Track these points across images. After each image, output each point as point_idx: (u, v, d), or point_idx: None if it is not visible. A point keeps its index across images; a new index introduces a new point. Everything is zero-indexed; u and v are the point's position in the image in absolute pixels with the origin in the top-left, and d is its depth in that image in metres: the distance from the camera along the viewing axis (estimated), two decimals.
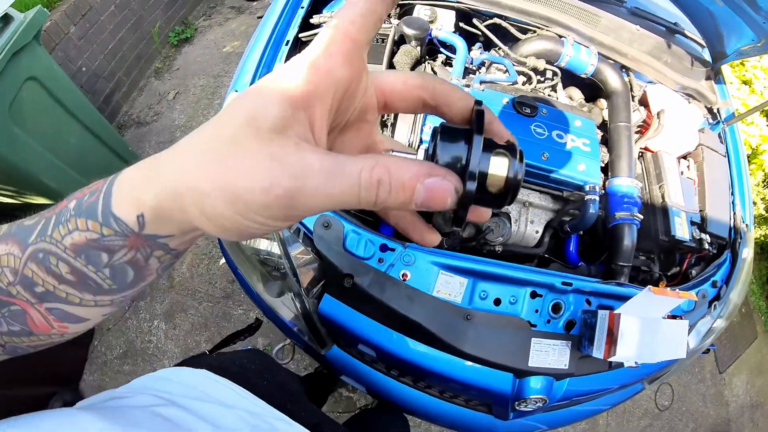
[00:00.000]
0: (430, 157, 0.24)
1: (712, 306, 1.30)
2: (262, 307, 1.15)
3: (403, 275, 0.95)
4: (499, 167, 0.23)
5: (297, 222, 0.22)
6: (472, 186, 0.22)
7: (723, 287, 1.33)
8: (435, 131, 0.24)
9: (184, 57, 2.45)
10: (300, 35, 1.31)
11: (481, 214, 0.29)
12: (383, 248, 0.96)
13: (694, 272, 1.37)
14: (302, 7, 1.36)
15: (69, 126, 1.62)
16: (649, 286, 0.86)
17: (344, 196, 0.20)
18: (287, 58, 1.26)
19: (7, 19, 1.35)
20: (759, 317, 2.57)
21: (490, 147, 0.23)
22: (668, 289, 0.92)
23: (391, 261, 0.95)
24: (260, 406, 0.53)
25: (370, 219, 1.20)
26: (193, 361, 0.60)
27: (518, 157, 0.23)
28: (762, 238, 2.64)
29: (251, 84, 1.20)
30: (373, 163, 0.21)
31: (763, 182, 2.65)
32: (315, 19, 1.35)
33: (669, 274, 1.41)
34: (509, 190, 0.23)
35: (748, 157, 2.49)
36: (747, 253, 1.41)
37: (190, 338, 1.75)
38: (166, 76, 2.35)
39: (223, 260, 1.27)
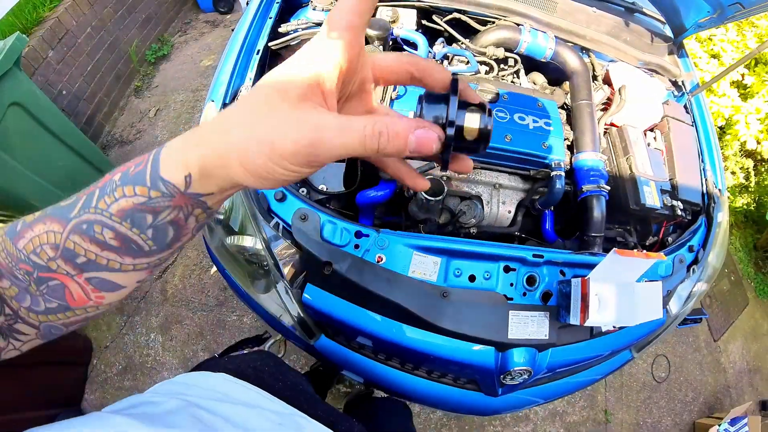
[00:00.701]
0: (418, 116, 0.29)
1: (691, 270, 1.31)
2: (252, 305, 1.17)
3: (378, 258, 0.97)
4: (472, 120, 0.29)
5: (319, 168, 0.30)
6: (451, 132, 0.28)
7: (700, 251, 1.35)
8: (420, 98, 0.30)
9: (163, 74, 2.48)
10: (270, 44, 1.35)
11: (464, 165, 0.34)
12: (358, 235, 0.99)
13: (670, 240, 1.39)
14: (270, 18, 1.41)
15: (55, 149, 1.65)
16: (614, 249, 0.88)
17: (354, 144, 0.26)
18: (258, 67, 1.30)
19: None
20: (749, 284, 2.58)
21: (464, 105, 0.29)
22: (635, 251, 0.93)
23: (366, 246, 0.98)
24: (283, 407, 0.53)
25: (348, 213, 1.23)
26: (209, 365, 0.60)
27: (487, 112, 0.29)
28: (744, 207, 2.65)
29: (226, 92, 1.26)
30: (374, 120, 0.26)
31: (740, 152, 2.67)
32: (283, 28, 1.39)
33: (647, 243, 1.43)
34: (482, 138, 0.29)
35: (722, 128, 2.52)
36: (722, 216, 1.43)
37: (187, 348, 1.76)
38: (146, 93, 2.38)
39: (214, 269, 1.30)
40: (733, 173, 2.68)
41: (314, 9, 1.43)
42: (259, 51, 1.32)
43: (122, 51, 2.30)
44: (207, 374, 0.55)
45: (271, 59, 1.38)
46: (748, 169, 2.69)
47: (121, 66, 2.29)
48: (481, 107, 0.29)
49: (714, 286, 2.50)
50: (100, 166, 1.86)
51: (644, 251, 0.96)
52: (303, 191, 1.09)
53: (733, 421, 1.95)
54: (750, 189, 2.64)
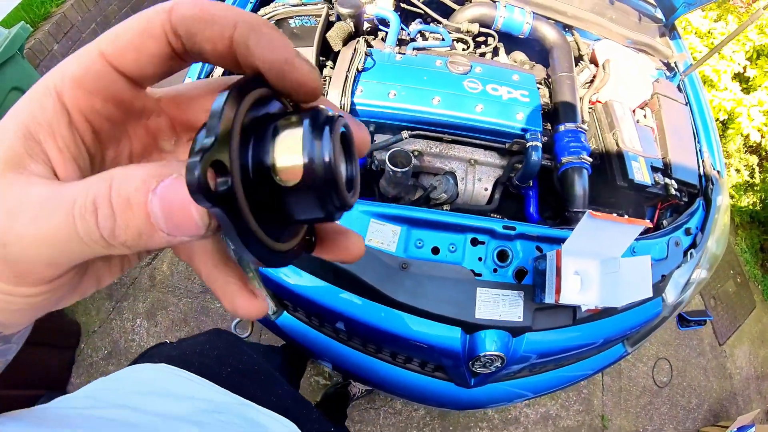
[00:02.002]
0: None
1: (688, 254, 1.13)
2: None
3: None
4: (287, 144, 0.12)
5: (59, 284, 0.14)
6: (226, 179, 0.11)
7: (698, 235, 1.16)
8: None
9: None
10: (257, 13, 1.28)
11: (346, 250, 0.18)
12: None
13: (665, 223, 1.21)
14: (251, 2, 1.34)
15: None
16: (588, 210, 0.72)
17: (59, 234, 0.12)
18: None
19: None
20: (756, 286, 2.30)
21: (275, 116, 0.13)
22: (614, 214, 0.77)
23: None
24: (223, 394, 0.48)
25: None
26: (152, 353, 0.56)
27: (322, 124, 0.12)
28: (750, 207, 2.39)
29: (202, 68, 1.17)
30: (96, 179, 0.13)
31: (743, 148, 2.43)
32: (261, 11, 1.31)
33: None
34: (315, 182, 0.12)
35: (724, 123, 2.31)
36: (721, 200, 1.25)
37: (170, 334, 1.66)
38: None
39: None
40: (737, 171, 2.44)
41: None
42: None
43: None
44: (145, 366, 0.49)
45: None
46: (752, 166, 2.44)
47: None
48: (313, 114, 0.13)
49: (719, 288, 2.24)
50: None
51: (625, 216, 0.80)
52: None
53: (740, 430, 1.69)
54: (755, 187, 2.39)
